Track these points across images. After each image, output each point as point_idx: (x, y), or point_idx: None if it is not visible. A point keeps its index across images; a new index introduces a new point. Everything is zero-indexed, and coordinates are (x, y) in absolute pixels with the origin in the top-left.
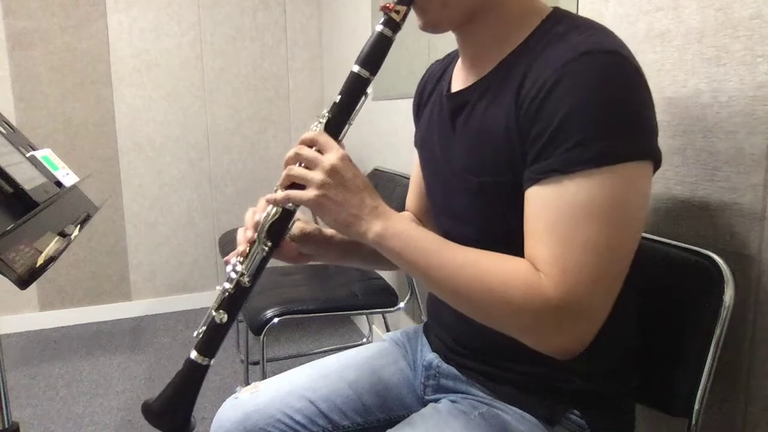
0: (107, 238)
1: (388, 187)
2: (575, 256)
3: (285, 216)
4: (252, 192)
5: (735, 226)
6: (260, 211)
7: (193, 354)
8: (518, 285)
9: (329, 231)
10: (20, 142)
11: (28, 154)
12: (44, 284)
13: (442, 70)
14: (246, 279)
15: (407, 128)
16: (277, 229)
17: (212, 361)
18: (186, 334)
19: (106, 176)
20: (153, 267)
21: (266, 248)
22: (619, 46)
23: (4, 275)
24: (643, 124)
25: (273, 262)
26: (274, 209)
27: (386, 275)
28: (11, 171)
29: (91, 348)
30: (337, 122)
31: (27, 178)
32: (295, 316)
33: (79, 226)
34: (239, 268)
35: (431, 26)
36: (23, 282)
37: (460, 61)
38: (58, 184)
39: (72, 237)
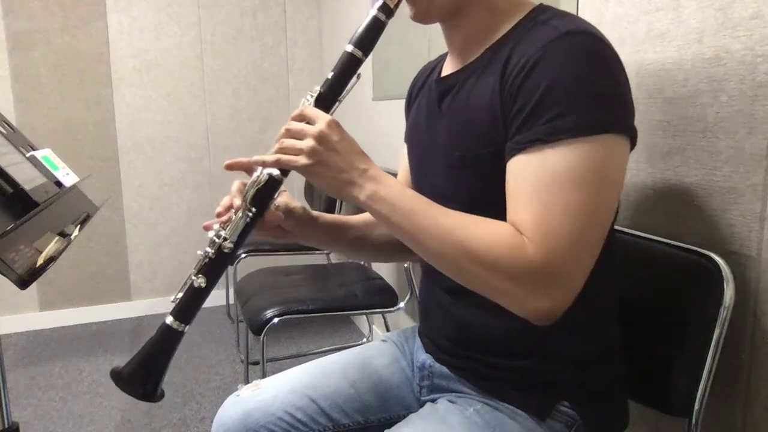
0: (107, 238)
1: None
2: (556, 221)
3: (272, 184)
4: None
5: (735, 226)
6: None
7: (169, 319)
8: (503, 246)
9: (315, 213)
10: (20, 142)
11: (28, 154)
12: (44, 284)
13: (432, 67)
14: (228, 244)
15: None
16: (263, 195)
17: (187, 329)
18: (186, 333)
19: (106, 176)
20: (153, 267)
21: (250, 214)
22: (597, 31)
23: (4, 275)
24: (620, 102)
25: (273, 261)
26: (262, 176)
27: (386, 275)
28: (11, 171)
29: (91, 348)
30: (327, 98)
31: (27, 178)
32: (295, 316)
33: (79, 226)
34: (222, 233)
35: (420, 16)
36: (23, 282)
37: (448, 55)
38: (58, 184)
39: (72, 237)
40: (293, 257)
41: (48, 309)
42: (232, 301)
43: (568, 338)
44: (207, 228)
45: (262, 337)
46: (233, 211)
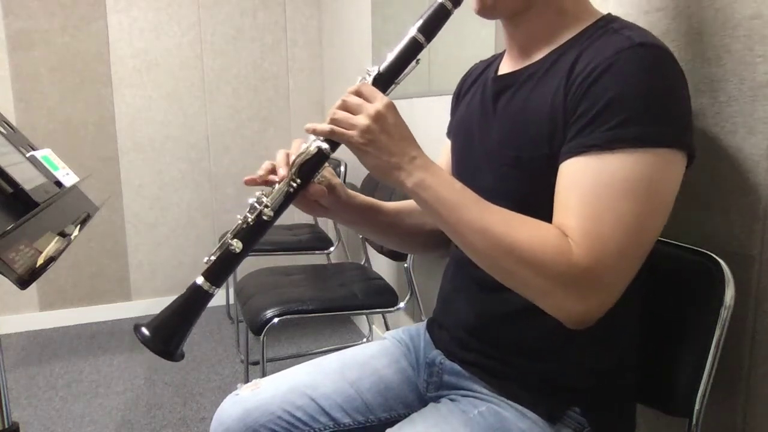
0: (107, 238)
1: (388, 187)
2: (606, 229)
3: (320, 156)
4: (252, 192)
5: (735, 226)
6: (294, 153)
7: (200, 280)
8: (548, 246)
9: (352, 192)
10: (20, 142)
11: (28, 154)
12: (44, 284)
13: (486, 64)
14: (268, 212)
15: (411, 127)
16: (309, 167)
17: (216, 291)
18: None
19: (106, 176)
20: (153, 267)
21: (294, 185)
22: (668, 48)
23: (4, 275)
24: (683, 117)
25: (273, 261)
26: (311, 147)
27: (386, 275)
28: (11, 171)
29: (91, 348)
30: (386, 79)
31: (27, 178)
32: (295, 316)
33: (79, 226)
34: (264, 200)
35: (488, 11)
36: (23, 282)
37: (506, 53)
38: (58, 184)
39: (72, 237)
40: (293, 257)
41: (48, 309)
42: (232, 301)
43: (592, 347)
44: (248, 183)
45: (262, 337)
46: (277, 178)
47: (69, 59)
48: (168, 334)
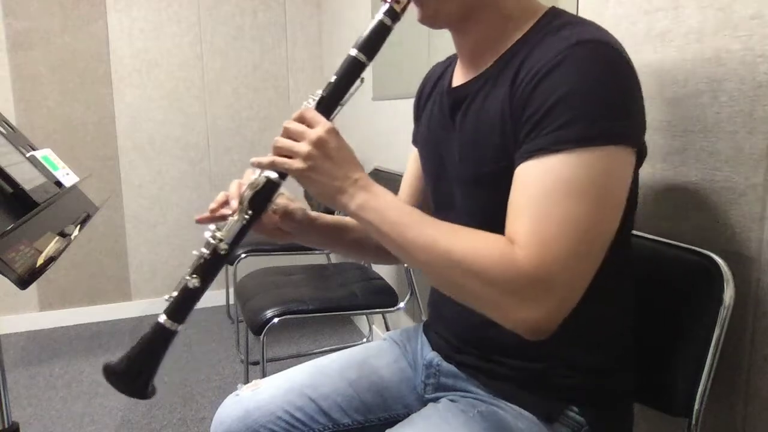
0: (107, 238)
1: (388, 186)
2: (552, 230)
3: (270, 187)
4: None
5: (735, 226)
6: (245, 183)
7: (162, 318)
8: (491, 257)
9: (314, 213)
10: (20, 142)
11: (28, 154)
12: (44, 284)
13: (442, 70)
14: (223, 246)
15: (407, 128)
16: (260, 198)
17: (180, 328)
18: (186, 333)
19: (106, 176)
20: (153, 267)
21: (247, 217)
22: (613, 40)
23: (4, 275)
24: (628, 112)
25: (273, 261)
26: (260, 178)
27: (386, 275)
28: (11, 171)
29: (91, 348)
30: (329, 102)
31: (27, 178)
32: (295, 316)
33: (79, 226)
34: (218, 234)
35: (429, 19)
36: (23, 282)
37: (458, 60)
38: (58, 184)
39: (72, 237)
40: (293, 257)
41: (48, 309)
42: (232, 301)
43: (582, 347)
44: (200, 221)
45: (262, 337)
46: (230, 210)
47: (69, 59)
48: (135, 374)
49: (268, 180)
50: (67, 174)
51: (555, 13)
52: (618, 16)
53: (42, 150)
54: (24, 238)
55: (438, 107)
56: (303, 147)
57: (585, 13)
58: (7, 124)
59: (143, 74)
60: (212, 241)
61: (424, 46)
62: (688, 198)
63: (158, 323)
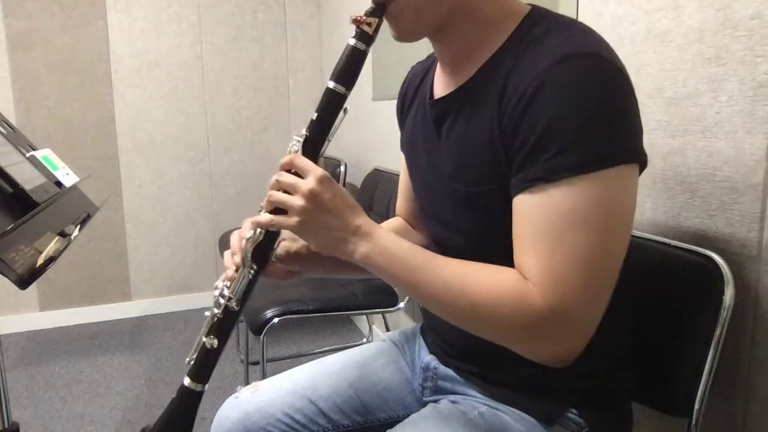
0: (107, 238)
1: (388, 187)
2: (562, 265)
3: (269, 238)
4: (252, 192)
5: (735, 226)
6: (245, 234)
7: (187, 381)
8: (507, 298)
9: None
10: (20, 142)
11: (28, 154)
12: (44, 284)
13: (423, 72)
14: (233, 303)
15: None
16: (262, 251)
17: (206, 387)
18: (186, 333)
19: (106, 176)
20: (153, 267)
21: (252, 271)
22: (600, 47)
23: (4, 275)
24: (626, 127)
25: None
26: (259, 232)
27: None
28: (11, 171)
29: (91, 348)
30: (315, 141)
31: (27, 178)
32: (295, 316)
33: (79, 226)
34: (226, 292)
35: (406, 36)
36: (23, 282)
37: (439, 66)
38: (58, 184)
39: (72, 237)
40: None
41: (48, 309)
42: None
43: (581, 353)
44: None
45: (262, 337)
46: (233, 266)
47: (69, 59)
48: None
49: (268, 232)
50: (67, 174)
51: (535, 17)
52: (618, 16)
53: (42, 150)
54: (24, 238)
55: (421, 117)
56: (297, 201)
57: (585, 13)
58: (7, 124)
59: (143, 74)
60: (222, 300)
61: (424, 46)
62: (688, 198)
63: (184, 386)
